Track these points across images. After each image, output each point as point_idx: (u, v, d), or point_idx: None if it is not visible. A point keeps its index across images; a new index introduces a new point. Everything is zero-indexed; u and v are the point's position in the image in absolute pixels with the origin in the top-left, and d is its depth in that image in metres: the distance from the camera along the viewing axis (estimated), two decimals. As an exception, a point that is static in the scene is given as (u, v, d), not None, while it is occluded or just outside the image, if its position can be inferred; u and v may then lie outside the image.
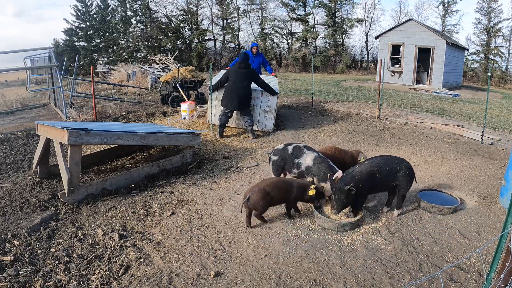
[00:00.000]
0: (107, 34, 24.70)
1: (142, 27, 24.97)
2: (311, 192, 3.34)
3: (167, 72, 13.74)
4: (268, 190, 3.27)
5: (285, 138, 6.45)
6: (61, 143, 3.83)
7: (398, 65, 18.10)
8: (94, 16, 25.05)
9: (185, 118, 7.64)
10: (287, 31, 27.46)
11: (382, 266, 2.72)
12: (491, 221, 3.44)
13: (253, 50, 7.96)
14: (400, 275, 2.62)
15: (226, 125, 6.59)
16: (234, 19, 26.69)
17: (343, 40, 26.52)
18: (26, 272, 2.58)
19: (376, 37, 19.74)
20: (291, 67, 24.83)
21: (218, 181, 4.44)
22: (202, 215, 3.54)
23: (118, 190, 4.07)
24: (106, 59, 22.85)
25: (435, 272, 2.63)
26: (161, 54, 21.34)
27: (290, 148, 3.95)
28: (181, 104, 7.87)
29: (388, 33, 18.41)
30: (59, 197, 3.73)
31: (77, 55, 11.10)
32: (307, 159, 3.78)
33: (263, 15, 26.88)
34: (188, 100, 8.75)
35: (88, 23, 24.84)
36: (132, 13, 24.86)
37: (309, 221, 3.40)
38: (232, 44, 26.72)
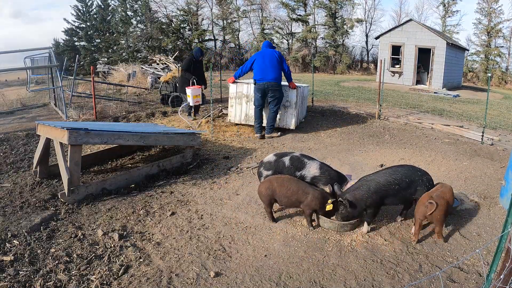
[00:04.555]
0: (107, 34, 24.72)
1: (142, 27, 24.98)
2: (329, 207, 3.16)
3: (167, 72, 13.75)
4: (275, 184, 3.25)
5: (285, 138, 6.45)
6: (61, 143, 3.83)
7: (398, 66, 18.11)
8: (95, 16, 25.08)
9: (190, 107, 7.72)
10: (287, 32, 27.50)
11: (382, 267, 2.72)
12: (491, 222, 3.44)
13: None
14: (400, 276, 2.62)
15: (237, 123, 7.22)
16: (234, 20, 26.72)
17: (343, 40, 26.51)
18: (26, 272, 2.58)
19: (376, 38, 19.76)
20: (291, 67, 24.81)
21: (218, 181, 4.45)
22: (202, 215, 3.54)
23: (118, 190, 4.07)
24: (106, 59, 22.84)
25: (435, 272, 2.63)
26: (161, 54, 21.34)
27: (286, 160, 3.62)
28: (186, 88, 7.77)
29: (388, 33, 18.42)
30: (59, 197, 3.73)
31: (77, 55, 11.11)
32: (311, 169, 3.58)
33: (263, 15, 26.90)
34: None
35: (88, 23, 24.88)
36: (132, 13, 24.87)
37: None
38: (232, 44, 26.74)
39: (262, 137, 6.45)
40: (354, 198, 3.11)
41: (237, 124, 7.23)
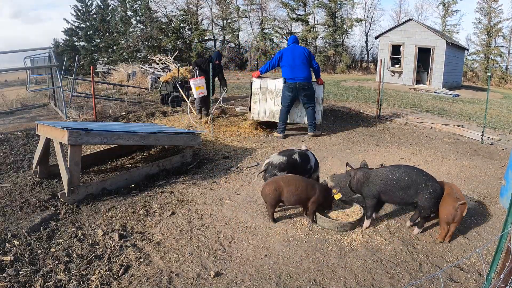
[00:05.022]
0: (107, 34, 24.70)
1: (142, 27, 24.96)
2: (338, 196, 3.22)
3: (167, 72, 13.75)
4: (282, 184, 3.24)
5: (284, 138, 6.44)
6: (61, 143, 3.83)
7: (398, 65, 18.11)
8: (94, 16, 25.06)
9: (199, 107, 7.80)
10: (287, 31, 27.46)
11: (382, 266, 2.73)
12: (491, 221, 3.45)
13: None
14: (400, 275, 2.62)
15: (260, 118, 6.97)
16: (234, 19, 26.69)
17: (343, 40, 26.51)
18: (26, 272, 2.58)
19: (376, 37, 19.76)
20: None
21: (218, 181, 4.45)
22: (202, 215, 3.54)
23: (118, 190, 4.07)
24: (106, 59, 22.83)
25: (435, 272, 2.64)
26: (161, 54, 21.33)
27: (297, 157, 3.72)
28: (190, 80, 7.74)
29: (388, 33, 18.42)
30: (59, 197, 3.73)
31: (77, 55, 11.11)
32: (312, 159, 3.87)
33: (263, 15, 26.87)
34: (188, 100, 8.70)
35: (88, 23, 24.86)
36: (132, 13, 24.85)
37: (309, 221, 3.40)
38: (232, 44, 26.73)
39: (285, 137, 6.37)
40: (357, 176, 3.33)
41: (261, 122, 6.96)
